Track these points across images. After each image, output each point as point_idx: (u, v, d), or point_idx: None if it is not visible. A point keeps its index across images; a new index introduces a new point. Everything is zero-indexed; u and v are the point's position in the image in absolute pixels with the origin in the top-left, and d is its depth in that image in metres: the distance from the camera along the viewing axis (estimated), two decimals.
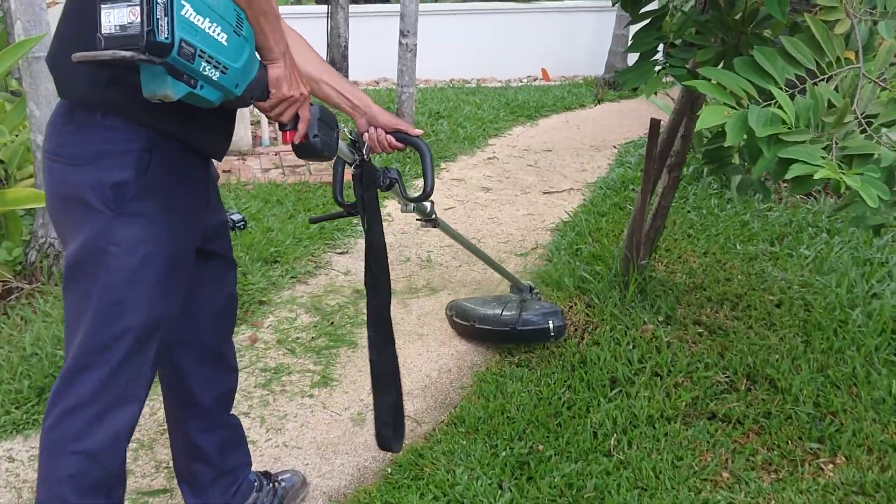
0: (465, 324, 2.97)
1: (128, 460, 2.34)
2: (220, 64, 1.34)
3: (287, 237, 3.70)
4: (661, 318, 3.02)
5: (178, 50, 1.24)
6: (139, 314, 1.49)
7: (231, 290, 1.88)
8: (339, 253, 3.72)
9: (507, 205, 4.47)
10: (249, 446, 2.40)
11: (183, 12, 1.25)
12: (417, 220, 2.32)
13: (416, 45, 4.95)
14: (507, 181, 4.86)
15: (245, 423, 2.51)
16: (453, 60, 8.18)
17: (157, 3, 1.21)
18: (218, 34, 1.32)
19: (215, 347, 1.88)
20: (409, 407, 2.64)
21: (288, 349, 2.94)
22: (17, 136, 3.22)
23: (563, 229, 4.00)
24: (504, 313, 2.84)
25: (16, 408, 2.52)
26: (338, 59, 6.24)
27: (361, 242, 3.82)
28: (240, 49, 1.38)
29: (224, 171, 4.61)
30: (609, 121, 6.34)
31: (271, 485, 2.16)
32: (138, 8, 1.21)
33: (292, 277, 3.44)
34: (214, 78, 1.34)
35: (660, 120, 3.01)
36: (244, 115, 4.99)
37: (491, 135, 5.81)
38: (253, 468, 2.23)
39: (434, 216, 2.28)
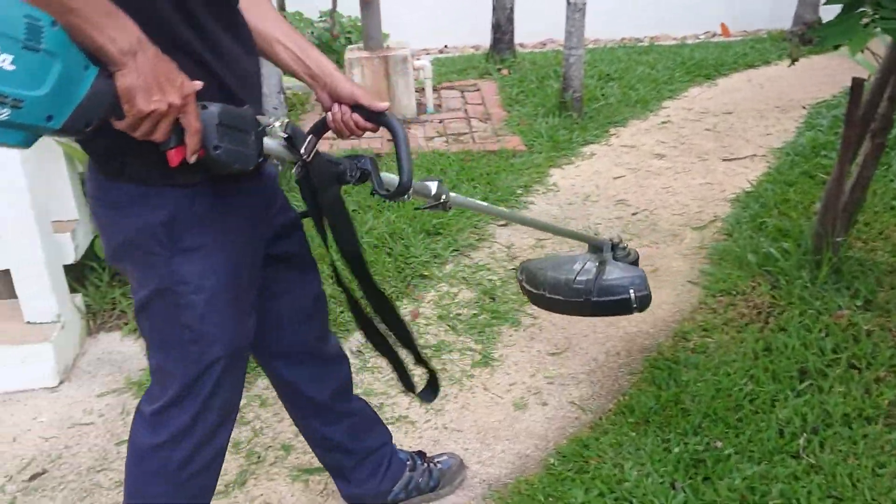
0: (536, 292, 2.44)
1: (290, 436, 2.36)
2: (6, 97, 1.03)
3: None
4: (858, 303, 2.69)
5: None
6: (221, 345, 1.45)
7: (316, 291, 1.77)
8: (502, 225, 3.60)
9: (683, 173, 4.17)
10: (409, 426, 2.36)
11: None
12: (423, 208, 1.88)
13: (584, 3, 4.71)
14: (682, 147, 4.55)
15: (404, 402, 2.46)
16: (624, 19, 7.80)
17: None
18: None
19: (310, 348, 1.79)
20: (574, 392, 2.50)
21: (449, 325, 2.86)
22: None
23: (744, 200, 3.68)
24: (577, 279, 2.31)
25: None
26: (503, 22, 6.08)
27: (525, 213, 3.71)
28: (40, 69, 1.05)
29: (388, 140, 4.60)
30: (796, 79, 5.82)
31: (426, 465, 2.10)
32: None
33: (454, 250, 3.36)
34: (4, 117, 1.03)
35: (863, 79, 2.66)
36: (409, 83, 4.95)
37: (665, 97, 5.47)
38: (410, 448, 2.18)
39: (444, 198, 1.83)
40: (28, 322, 2.67)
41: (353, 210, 3.58)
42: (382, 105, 1.55)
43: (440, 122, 4.93)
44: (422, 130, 4.81)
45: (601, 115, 4.99)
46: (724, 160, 4.32)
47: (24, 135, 1.09)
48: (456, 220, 3.54)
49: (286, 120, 1.42)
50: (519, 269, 2.53)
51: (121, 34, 1.12)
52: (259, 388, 2.58)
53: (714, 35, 7.93)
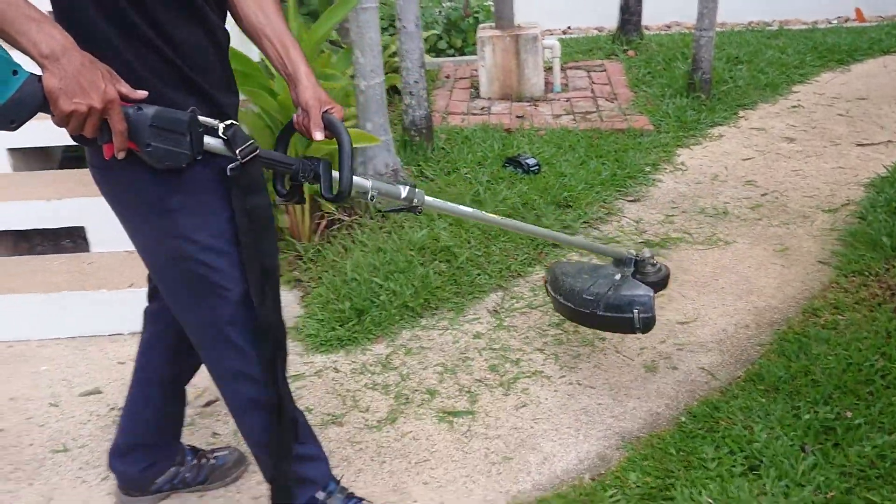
0: (553, 295, 2.48)
1: (433, 382, 2.55)
2: None
3: (579, 183, 3.74)
4: None
5: None
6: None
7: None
8: (631, 201, 3.70)
9: (814, 157, 4.16)
10: (544, 380, 2.52)
11: None
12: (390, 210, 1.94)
13: None
14: (813, 132, 4.52)
15: (539, 358, 2.62)
16: (753, 3, 7.66)
17: None
18: None
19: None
20: (703, 359, 2.60)
21: None
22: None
23: (879, 185, 3.66)
24: (589, 290, 2.34)
25: (339, 325, 2.82)
26: (632, 3, 6.11)
27: (654, 190, 3.79)
28: None
29: (517, 117, 4.74)
30: None
31: (196, 461, 2.19)
32: None
33: (584, 222, 3.49)
34: None
35: None
36: (538, 62, 5.07)
37: (795, 81, 5.40)
38: (549, 405, 2.32)
39: (415, 201, 1.88)
40: None
41: (487, 181, 3.74)
42: (316, 135, 1.64)
43: (567, 101, 5.04)
44: (549, 108, 4.92)
45: (730, 97, 4.98)
46: (857, 145, 4.27)
47: None
48: (586, 194, 3.66)
49: (230, 122, 1.53)
50: (547, 271, 2.59)
51: (44, 39, 1.28)
52: (404, 339, 2.78)
53: (847, 20, 7.70)
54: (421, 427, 2.38)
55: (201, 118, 1.49)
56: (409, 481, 2.18)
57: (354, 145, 3.23)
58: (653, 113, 4.70)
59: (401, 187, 1.86)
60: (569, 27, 7.72)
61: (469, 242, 3.21)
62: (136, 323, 2.05)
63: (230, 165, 1.53)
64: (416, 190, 1.89)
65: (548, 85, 5.24)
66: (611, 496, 2.05)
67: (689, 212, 3.58)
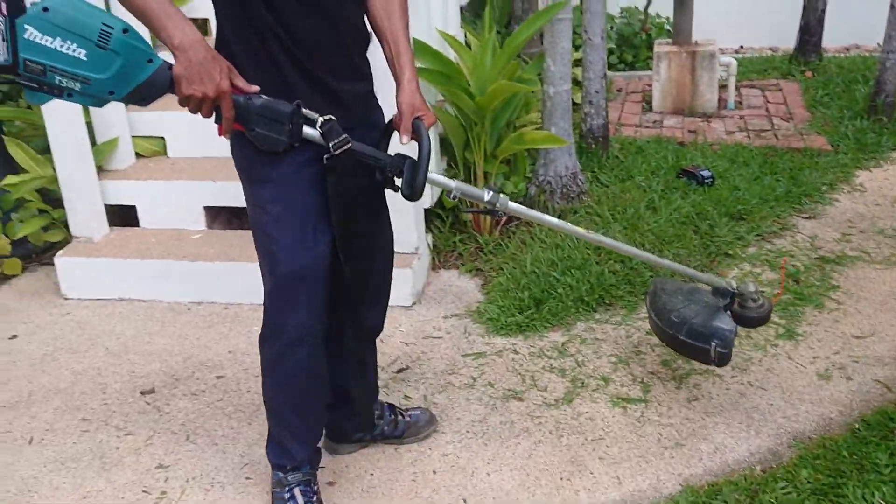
0: (648, 309, 2.55)
1: (608, 370, 2.71)
2: (78, 76, 1.56)
3: (753, 197, 3.79)
4: None
5: (23, 67, 1.51)
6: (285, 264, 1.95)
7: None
8: (806, 217, 3.72)
9: None
10: (716, 378, 2.63)
11: (26, 35, 1.50)
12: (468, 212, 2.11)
13: None
14: None
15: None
16: None
17: None
18: (73, 51, 1.54)
19: None
20: (879, 373, 2.63)
21: None
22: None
23: None
24: (678, 312, 2.38)
25: (519, 312, 3.03)
26: (812, 24, 6.03)
27: (830, 209, 3.79)
28: (104, 61, 1.57)
29: (690, 131, 4.81)
30: None
31: (394, 416, 2.42)
32: None
33: (757, 235, 3.54)
34: (77, 89, 1.57)
35: None
36: (713, 79, 5.11)
37: None
38: (720, 401, 2.43)
39: (497, 205, 2.05)
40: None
41: (662, 189, 3.86)
42: (403, 138, 1.90)
43: (740, 118, 5.06)
44: (722, 124, 4.97)
45: None
46: None
47: (91, 100, 1.62)
48: (759, 208, 3.71)
49: (329, 118, 1.78)
50: (651, 283, 2.63)
51: (177, 33, 1.60)
52: (579, 330, 2.96)
53: None
54: (596, 409, 2.55)
55: (305, 111, 1.77)
56: (585, 456, 2.35)
57: (542, 146, 3.45)
58: (830, 134, 4.66)
59: (485, 191, 2.05)
60: (741, 46, 7.66)
61: (643, 245, 3.35)
62: None
63: (325, 155, 1.81)
64: (501, 196, 2.06)
65: (721, 102, 5.27)
66: (782, 488, 2.15)
67: (868, 232, 3.57)
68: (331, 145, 1.79)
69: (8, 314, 3.32)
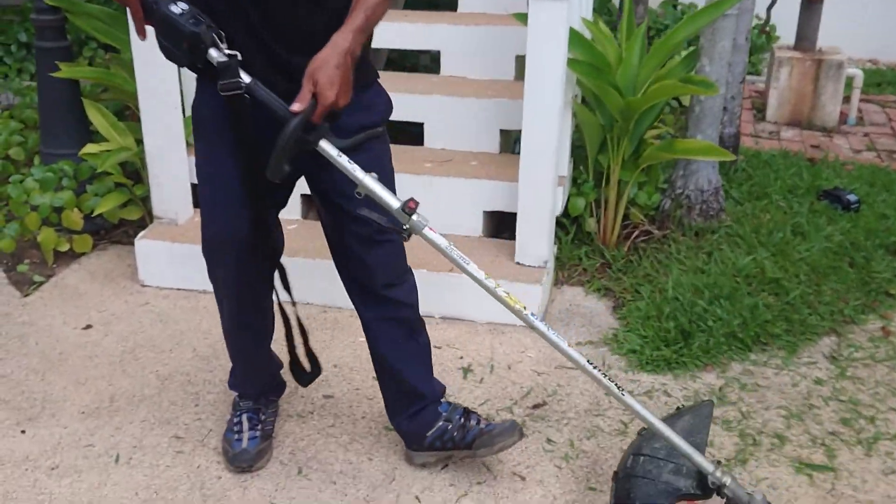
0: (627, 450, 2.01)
1: (779, 426, 2.33)
2: None
3: None
4: None
5: None
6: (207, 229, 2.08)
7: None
8: None
9: None
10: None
11: None
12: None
13: None
14: None
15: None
16: None
17: None
18: None
19: None
20: None
21: None
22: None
23: None
24: (632, 466, 1.90)
25: (665, 346, 2.65)
26: None
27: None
28: None
29: (812, 146, 4.41)
30: None
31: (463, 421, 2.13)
32: None
33: None
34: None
35: None
36: (838, 90, 4.68)
37: None
38: None
39: (406, 226, 1.67)
40: (518, 263, 2.86)
41: (807, 212, 3.45)
42: (294, 105, 1.61)
43: (865, 136, 4.64)
44: (845, 141, 4.55)
45: None
46: None
47: None
48: None
49: (233, 53, 1.62)
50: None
51: None
52: (735, 372, 2.58)
53: None
54: (777, 475, 2.16)
55: (213, 44, 1.62)
56: None
57: (701, 157, 3.06)
58: None
59: (396, 200, 1.68)
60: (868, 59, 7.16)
61: (797, 277, 2.96)
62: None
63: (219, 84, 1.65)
64: (417, 216, 1.67)
65: (841, 115, 4.85)
66: None
67: None
68: (219, 84, 1.63)
69: (80, 299, 2.98)
